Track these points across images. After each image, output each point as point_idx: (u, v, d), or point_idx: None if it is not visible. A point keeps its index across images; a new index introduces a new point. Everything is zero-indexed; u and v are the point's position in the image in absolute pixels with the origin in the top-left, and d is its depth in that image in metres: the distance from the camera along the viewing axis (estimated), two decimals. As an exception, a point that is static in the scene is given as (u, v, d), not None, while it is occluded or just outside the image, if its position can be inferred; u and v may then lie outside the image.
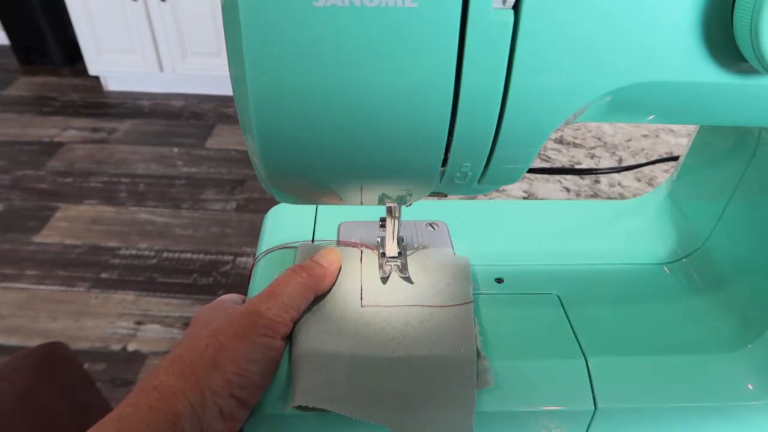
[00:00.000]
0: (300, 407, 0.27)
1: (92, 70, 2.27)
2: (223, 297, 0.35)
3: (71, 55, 2.49)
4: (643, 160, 0.61)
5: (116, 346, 1.31)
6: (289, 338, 0.31)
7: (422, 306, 0.32)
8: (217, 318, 0.30)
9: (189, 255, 1.55)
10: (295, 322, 0.31)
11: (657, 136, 0.66)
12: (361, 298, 0.33)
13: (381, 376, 0.29)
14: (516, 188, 0.56)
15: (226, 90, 2.29)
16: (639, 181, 0.58)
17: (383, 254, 0.35)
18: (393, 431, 0.27)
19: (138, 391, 0.27)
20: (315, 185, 0.26)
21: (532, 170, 0.57)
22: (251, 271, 0.37)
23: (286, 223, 0.40)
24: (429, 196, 0.28)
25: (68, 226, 1.67)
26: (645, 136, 0.66)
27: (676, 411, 0.30)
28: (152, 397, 0.26)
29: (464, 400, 0.28)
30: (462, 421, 0.27)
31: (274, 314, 0.29)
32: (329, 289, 0.33)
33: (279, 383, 0.29)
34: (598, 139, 0.65)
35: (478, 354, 0.30)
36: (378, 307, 0.32)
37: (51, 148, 2.02)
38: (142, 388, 0.27)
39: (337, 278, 0.34)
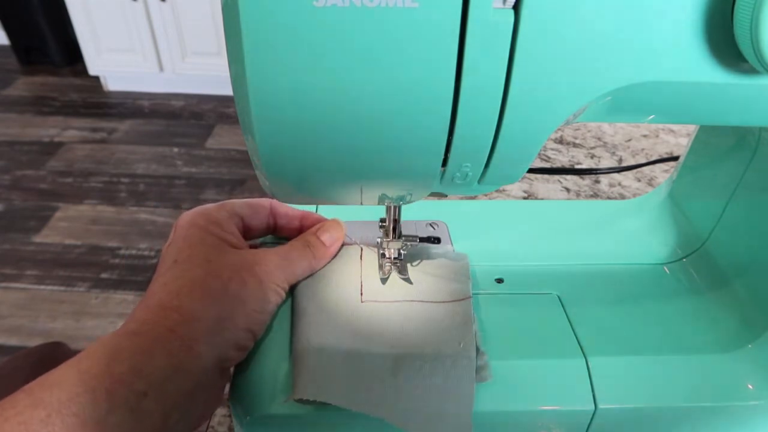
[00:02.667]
0: (300, 400, 0.28)
1: (92, 70, 2.27)
2: (207, 206, 0.35)
3: (71, 55, 2.49)
4: (643, 160, 0.61)
5: (116, 346, 1.31)
6: (291, 330, 0.31)
7: (422, 302, 0.33)
8: (225, 249, 0.31)
9: (189, 255, 1.55)
10: (295, 314, 0.32)
11: (657, 136, 0.66)
12: (361, 294, 0.33)
13: (380, 370, 0.29)
14: (516, 188, 0.56)
15: (226, 90, 2.29)
16: (639, 181, 0.58)
17: (383, 255, 0.35)
18: (392, 425, 0.27)
19: (155, 308, 0.27)
20: (315, 185, 0.26)
21: (532, 170, 0.57)
22: None
23: (286, 223, 0.39)
24: (429, 196, 0.28)
25: (68, 226, 1.67)
26: (645, 136, 0.66)
27: (676, 411, 0.30)
28: (172, 319, 0.26)
29: (463, 394, 0.28)
30: (461, 415, 0.27)
31: (287, 281, 0.32)
32: (325, 280, 0.34)
33: (278, 381, 0.29)
34: (598, 139, 0.65)
35: (477, 349, 0.30)
36: (378, 303, 0.32)
37: (51, 148, 2.02)
38: (160, 306, 0.27)
39: (338, 253, 0.35)
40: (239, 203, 0.34)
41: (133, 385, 0.24)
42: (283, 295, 0.32)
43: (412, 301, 0.33)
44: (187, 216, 0.32)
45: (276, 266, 0.31)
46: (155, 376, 0.24)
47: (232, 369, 0.30)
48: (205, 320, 0.27)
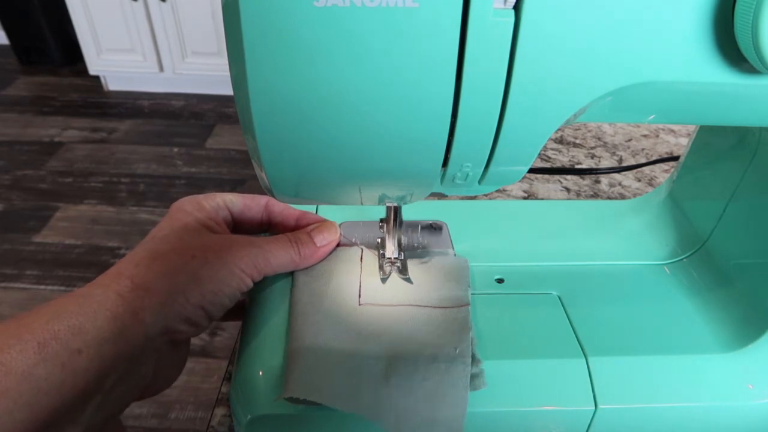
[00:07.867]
0: (291, 399, 0.27)
1: (92, 70, 2.27)
2: (205, 195, 0.36)
3: (71, 55, 2.49)
4: (643, 160, 0.61)
5: (116, 346, 1.31)
6: (288, 330, 0.31)
7: (419, 306, 0.32)
8: (202, 233, 0.31)
9: (189, 255, 1.55)
10: (293, 314, 0.32)
11: (657, 136, 0.66)
12: (359, 296, 0.33)
13: (373, 372, 0.29)
14: (516, 188, 0.56)
15: (226, 90, 2.29)
16: (639, 181, 0.58)
17: (383, 255, 0.35)
18: (384, 428, 0.27)
19: (112, 275, 0.28)
20: (315, 185, 0.26)
21: (532, 170, 0.57)
22: None
23: (287, 223, 0.39)
24: (429, 196, 0.28)
25: (68, 226, 1.67)
26: (645, 136, 0.66)
27: (676, 411, 0.30)
28: (123, 285, 0.27)
29: (456, 400, 0.28)
30: (453, 421, 0.27)
31: (257, 269, 0.31)
32: (324, 281, 0.34)
33: (278, 381, 0.29)
34: (598, 139, 0.65)
35: (473, 357, 0.30)
36: (375, 306, 0.32)
37: (51, 148, 2.02)
38: (117, 273, 0.28)
39: (332, 252, 0.35)
40: (231, 196, 0.35)
41: (68, 342, 0.24)
42: (249, 283, 0.31)
43: (409, 305, 0.33)
44: (178, 201, 0.33)
45: (247, 253, 0.31)
46: (93, 336, 0.25)
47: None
48: (155, 292, 0.27)
